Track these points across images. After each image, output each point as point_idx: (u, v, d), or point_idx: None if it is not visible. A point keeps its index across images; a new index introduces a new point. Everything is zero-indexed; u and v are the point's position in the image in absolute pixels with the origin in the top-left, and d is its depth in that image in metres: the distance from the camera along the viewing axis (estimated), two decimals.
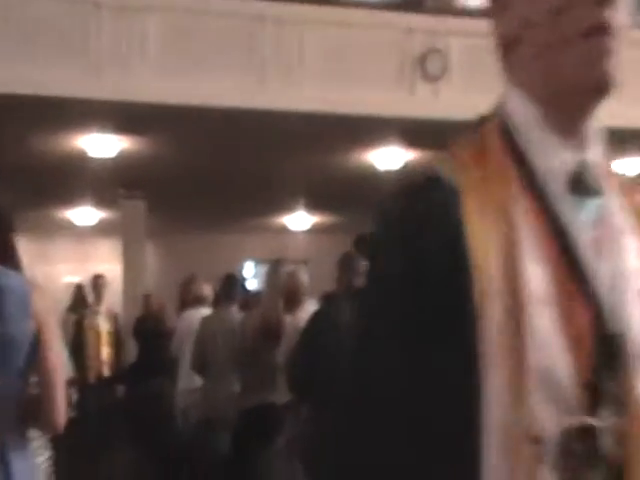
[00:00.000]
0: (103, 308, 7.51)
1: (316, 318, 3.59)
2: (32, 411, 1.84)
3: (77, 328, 7.25)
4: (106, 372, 7.27)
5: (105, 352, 7.27)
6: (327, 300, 3.71)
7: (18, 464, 1.78)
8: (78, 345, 6.95)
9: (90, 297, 8.42)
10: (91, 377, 7.08)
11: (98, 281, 7.57)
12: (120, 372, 7.35)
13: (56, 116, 6.84)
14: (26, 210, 10.15)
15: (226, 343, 5.14)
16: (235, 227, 12.64)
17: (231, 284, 5.65)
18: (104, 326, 7.34)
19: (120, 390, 7.55)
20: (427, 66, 7.18)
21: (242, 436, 4.56)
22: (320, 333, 3.48)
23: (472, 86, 7.16)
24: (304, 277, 4.40)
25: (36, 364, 1.83)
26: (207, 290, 6.41)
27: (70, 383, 3.80)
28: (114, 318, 7.66)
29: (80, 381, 5.91)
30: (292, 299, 4.28)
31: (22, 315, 1.86)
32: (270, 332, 4.38)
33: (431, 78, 7.19)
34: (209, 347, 5.31)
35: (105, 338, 7.30)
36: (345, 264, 3.62)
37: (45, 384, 1.76)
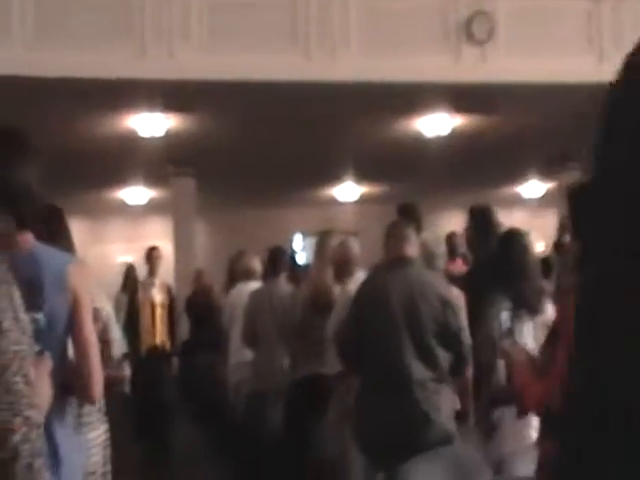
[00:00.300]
0: (157, 281, 7.25)
1: (364, 288, 3.57)
2: (71, 383, 1.89)
3: (131, 301, 7.10)
4: (160, 346, 7.07)
5: (159, 325, 7.03)
6: (375, 270, 3.70)
7: (62, 436, 1.82)
8: (132, 318, 6.86)
9: (144, 271, 8.57)
10: (145, 351, 6.90)
11: (152, 253, 7.31)
12: (174, 347, 7.22)
13: (105, 98, 6.93)
14: (79, 192, 10.36)
15: (275, 316, 5.17)
16: (284, 201, 12.68)
17: (278, 257, 5.66)
18: (158, 298, 7.10)
19: (174, 364, 7.50)
20: (473, 29, 7.05)
21: (294, 408, 4.60)
22: (368, 303, 3.47)
23: (519, 49, 7.03)
24: (355, 247, 4.35)
25: (72, 337, 1.86)
26: (256, 264, 6.44)
27: (123, 358, 3.89)
28: (168, 290, 7.45)
29: (134, 355, 5.89)
30: (343, 270, 4.25)
31: (59, 289, 1.90)
32: (320, 303, 4.39)
33: (477, 41, 7.06)
34: (259, 321, 5.35)
35: (159, 311, 7.06)
36: (392, 232, 3.60)
37: (79, 357, 1.80)
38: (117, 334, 3.21)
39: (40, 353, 1.46)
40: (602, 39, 7.28)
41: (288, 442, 4.64)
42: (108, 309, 3.16)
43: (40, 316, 1.46)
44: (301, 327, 4.57)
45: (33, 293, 1.78)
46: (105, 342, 3.03)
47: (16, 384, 1.00)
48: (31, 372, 1.05)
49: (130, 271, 9.38)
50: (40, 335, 1.46)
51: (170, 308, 7.13)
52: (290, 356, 4.83)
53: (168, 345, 7.04)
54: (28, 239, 1.96)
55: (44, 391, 1.45)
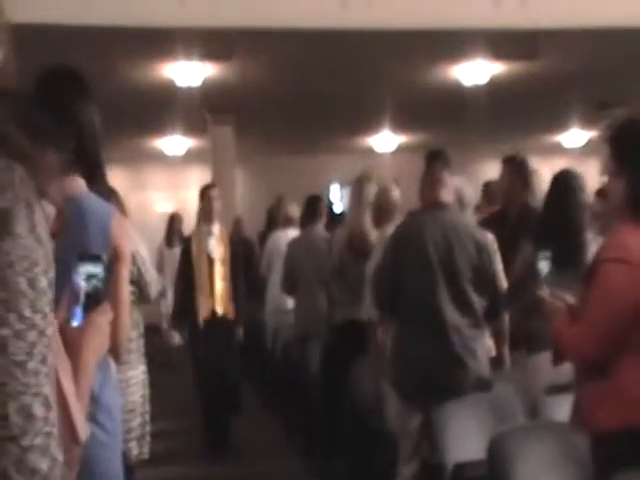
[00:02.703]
0: (217, 229, 5.55)
1: (399, 234, 3.56)
2: None
3: (182, 256, 5.64)
4: (222, 313, 5.46)
5: (220, 286, 5.47)
6: (410, 215, 3.71)
7: (97, 377, 1.81)
8: (183, 278, 5.51)
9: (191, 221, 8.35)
10: (202, 321, 5.42)
11: (209, 193, 5.58)
12: (239, 315, 5.59)
13: (143, 46, 6.96)
14: (118, 140, 10.47)
15: (314, 263, 5.24)
16: (322, 149, 12.66)
17: (316, 205, 5.69)
18: (217, 251, 5.51)
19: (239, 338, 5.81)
20: None
21: (332, 352, 4.67)
22: (403, 249, 3.48)
23: None
24: (395, 192, 4.32)
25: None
26: (294, 211, 6.47)
27: (160, 296, 3.87)
28: (231, 240, 5.75)
29: (189, 326, 5.46)
30: (383, 214, 4.24)
31: (102, 240, 1.88)
32: (357, 248, 4.41)
33: None
34: (298, 269, 5.43)
35: (220, 268, 5.48)
36: (427, 178, 3.59)
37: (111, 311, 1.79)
38: (152, 275, 3.25)
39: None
40: None
41: (326, 386, 4.73)
42: (142, 252, 3.21)
43: (99, 269, 1.46)
44: (339, 272, 4.61)
45: (81, 245, 1.79)
46: (140, 285, 3.09)
47: (17, 284, 0.98)
48: (42, 282, 1.03)
49: (175, 221, 9.29)
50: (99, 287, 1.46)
51: (233, 264, 5.54)
52: (328, 301, 4.89)
53: (232, 312, 5.48)
54: (80, 184, 1.95)
55: (104, 341, 1.46)
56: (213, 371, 5.46)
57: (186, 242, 5.72)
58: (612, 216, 2.31)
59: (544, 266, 2.40)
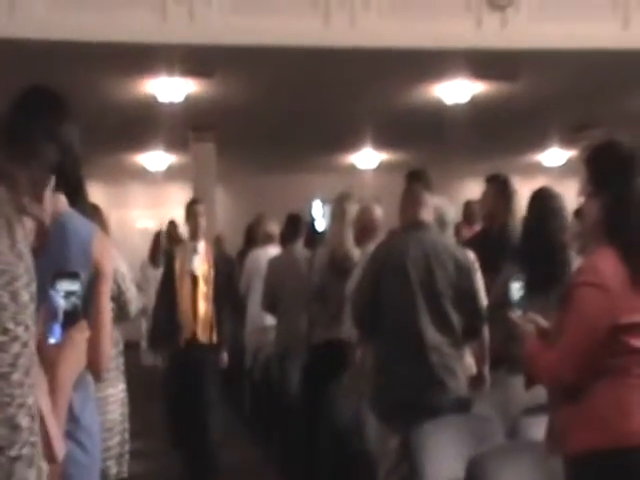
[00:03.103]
0: (202, 246, 5.25)
1: (379, 253, 3.57)
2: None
3: (165, 274, 5.29)
4: (203, 335, 5.07)
5: (203, 306, 5.09)
6: (390, 235, 3.71)
7: (79, 397, 1.81)
8: (165, 297, 5.17)
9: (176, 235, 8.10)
10: (183, 342, 5.06)
11: (195, 208, 5.32)
12: (222, 338, 5.20)
13: (125, 62, 6.95)
14: (99, 156, 10.42)
15: (294, 281, 5.22)
16: (303, 167, 12.68)
17: (296, 223, 5.70)
18: (202, 269, 5.17)
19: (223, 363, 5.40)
20: None
21: (311, 372, 4.65)
22: (383, 268, 3.47)
23: (541, 14, 6.94)
24: (377, 211, 4.34)
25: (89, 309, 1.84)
26: (274, 229, 6.47)
27: (141, 314, 3.85)
28: (215, 258, 5.34)
29: (169, 348, 5.13)
30: (365, 233, 4.25)
31: (83, 257, 1.87)
32: (338, 267, 4.41)
33: (499, 6, 6.98)
34: (278, 287, 5.41)
35: (203, 287, 5.12)
36: (408, 197, 3.60)
37: (91, 329, 1.70)
38: (132, 293, 3.23)
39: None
40: (628, 5, 7.17)
41: (304, 406, 4.71)
42: (123, 269, 3.18)
43: (77, 287, 1.44)
44: (320, 291, 4.59)
45: (61, 262, 1.77)
46: (120, 302, 3.07)
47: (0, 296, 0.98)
48: (24, 295, 1.04)
49: (160, 238, 9.18)
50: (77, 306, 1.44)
51: (217, 283, 5.19)
52: (309, 320, 4.86)
53: (214, 335, 5.09)
54: (61, 201, 1.93)
55: (81, 358, 1.44)
56: (190, 400, 5.01)
57: (169, 259, 5.39)
58: (588, 237, 2.32)
59: (517, 289, 2.39)
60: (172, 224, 9.00)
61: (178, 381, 5.12)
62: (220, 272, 5.27)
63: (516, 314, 2.36)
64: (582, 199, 2.27)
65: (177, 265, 5.20)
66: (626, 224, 2.15)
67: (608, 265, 2.13)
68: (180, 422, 5.20)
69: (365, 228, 4.27)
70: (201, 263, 5.21)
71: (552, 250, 3.46)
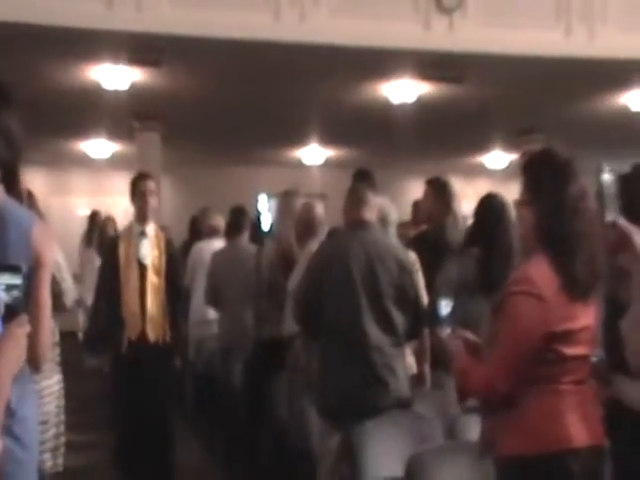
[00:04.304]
0: (151, 229, 4.53)
1: (321, 252, 3.59)
2: None
3: (106, 262, 4.57)
4: (154, 335, 4.40)
5: (152, 300, 4.40)
6: (333, 234, 3.72)
7: (16, 390, 1.76)
8: (105, 287, 4.48)
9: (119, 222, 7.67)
10: (128, 343, 4.37)
11: (143, 184, 4.57)
12: (177, 340, 4.59)
13: (69, 47, 6.80)
14: (41, 142, 10.19)
15: (239, 276, 5.20)
16: (250, 160, 12.62)
17: (240, 216, 5.67)
18: (151, 257, 4.45)
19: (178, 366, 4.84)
20: None
21: (255, 368, 4.64)
22: (326, 267, 3.48)
23: (487, 19, 7.06)
24: (318, 209, 4.36)
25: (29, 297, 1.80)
26: (219, 221, 6.43)
27: (76, 305, 3.67)
28: (167, 244, 4.59)
29: (112, 350, 4.41)
30: (306, 231, 4.27)
31: (23, 247, 1.84)
32: (286, 263, 4.40)
33: (446, 10, 7.07)
34: (222, 280, 5.38)
35: (153, 279, 4.40)
36: (351, 197, 3.63)
37: (31, 319, 1.66)
38: (68, 284, 3.18)
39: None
40: (570, 13, 7.34)
41: (247, 402, 4.69)
42: (58, 259, 3.12)
43: (18, 280, 1.41)
44: (268, 287, 4.58)
45: (1, 253, 1.73)
46: (55, 292, 3.01)
47: None
48: None
49: (96, 218, 8.76)
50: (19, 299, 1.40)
51: (170, 273, 4.48)
52: (255, 316, 4.83)
53: (166, 335, 4.42)
54: None
55: (21, 353, 1.41)
56: (138, 410, 4.35)
57: (111, 244, 4.58)
58: (524, 245, 2.34)
59: (445, 306, 2.40)
60: (97, 213, 8.43)
61: (126, 393, 4.39)
62: (173, 260, 4.58)
63: (445, 331, 2.37)
64: (520, 206, 2.30)
65: (121, 252, 4.41)
66: (558, 232, 2.16)
67: (541, 273, 2.15)
68: (132, 441, 4.47)
69: (306, 226, 4.28)
70: (150, 249, 4.44)
71: (502, 254, 3.52)
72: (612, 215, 2.18)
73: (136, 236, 4.46)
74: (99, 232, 8.04)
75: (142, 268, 4.41)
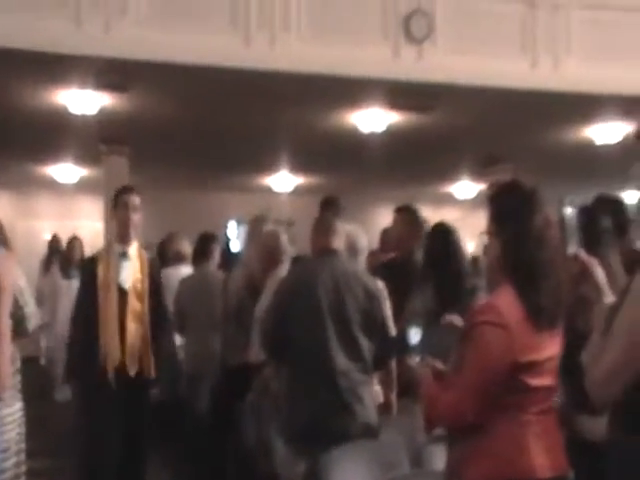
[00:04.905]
0: (134, 249, 4.18)
1: (288, 280, 3.61)
2: None
3: (86, 284, 4.12)
4: (136, 368, 4.06)
5: (134, 331, 4.02)
6: (300, 262, 3.73)
7: None
8: (80, 315, 4.12)
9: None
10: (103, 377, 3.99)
11: (126, 199, 4.20)
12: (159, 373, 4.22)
13: (36, 70, 6.75)
14: (8, 165, 10.08)
15: (206, 302, 5.16)
16: (218, 186, 12.60)
17: (208, 243, 5.66)
18: (132, 280, 4.09)
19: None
20: (412, 27, 7.13)
21: (223, 393, 4.60)
22: (293, 295, 3.48)
23: (455, 49, 7.15)
24: (283, 237, 4.37)
25: None
26: (186, 248, 6.38)
27: (39, 330, 3.56)
28: (152, 268, 4.26)
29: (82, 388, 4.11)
30: (271, 258, 4.28)
31: None
32: (254, 290, 4.39)
33: (415, 40, 7.15)
34: (189, 307, 5.33)
35: (135, 305, 4.03)
36: (319, 225, 3.64)
37: None
38: (31, 308, 3.10)
39: None
40: (536, 45, 7.46)
41: (213, 428, 4.64)
42: (21, 283, 3.07)
43: None
44: (235, 313, 4.55)
45: None
46: (17, 317, 2.95)
47: None
48: None
49: (55, 243, 8.44)
50: None
51: (154, 298, 4.14)
52: (223, 343, 4.80)
53: (149, 368, 4.06)
54: None
55: None
56: (111, 451, 3.99)
57: (89, 266, 4.12)
58: (490, 275, 2.36)
59: (414, 334, 2.41)
60: (76, 240, 8.14)
61: (96, 431, 4.00)
62: (157, 284, 4.18)
63: (414, 360, 2.38)
64: (485, 237, 2.32)
65: (99, 274, 4.00)
66: (524, 262, 2.18)
67: (507, 303, 2.17)
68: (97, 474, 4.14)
69: (271, 253, 4.29)
70: (132, 273, 4.05)
71: (457, 281, 3.56)
72: (573, 247, 2.20)
73: (116, 257, 4.06)
74: (64, 254, 7.96)
75: (122, 293, 4.03)
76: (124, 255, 4.09)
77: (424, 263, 3.83)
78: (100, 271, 4.02)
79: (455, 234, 3.74)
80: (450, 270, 3.61)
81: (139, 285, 4.05)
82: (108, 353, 3.95)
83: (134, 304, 4.01)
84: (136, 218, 4.11)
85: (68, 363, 4.36)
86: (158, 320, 4.10)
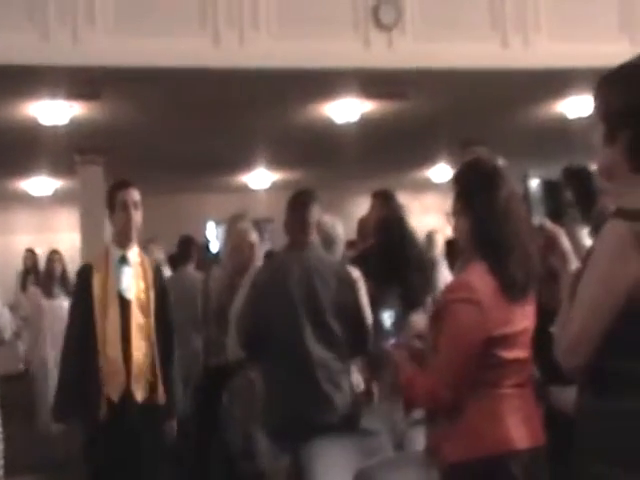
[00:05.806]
0: (134, 254, 3.60)
1: (261, 275, 3.59)
2: None
3: (80, 296, 3.50)
4: (140, 391, 3.41)
5: (139, 348, 3.41)
6: (273, 256, 3.72)
7: None
8: (82, 330, 3.41)
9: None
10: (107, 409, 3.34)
11: (123, 197, 3.58)
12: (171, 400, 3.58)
13: (5, 83, 6.66)
14: None
15: (186, 304, 5.15)
16: (197, 188, 12.54)
17: (186, 245, 5.67)
18: (137, 289, 3.50)
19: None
20: (380, 15, 7.12)
21: (205, 393, 4.61)
22: (266, 289, 3.47)
23: (425, 35, 7.14)
24: (253, 235, 4.38)
25: None
26: (159, 254, 6.36)
27: (15, 338, 3.48)
28: (156, 275, 3.62)
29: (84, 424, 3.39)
30: (242, 257, 4.28)
31: None
32: (234, 288, 4.38)
33: (385, 27, 7.14)
34: None
35: (139, 319, 3.44)
36: (291, 217, 3.61)
37: None
38: (6, 318, 3.06)
39: None
40: (505, 26, 7.47)
41: (196, 427, 4.64)
42: None
43: None
44: (215, 313, 4.55)
45: None
46: None
47: None
48: None
49: (31, 258, 8.12)
50: None
51: (160, 310, 3.55)
52: (205, 343, 4.81)
53: (159, 394, 3.44)
54: None
55: None
56: None
57: (83, 275, 3.50)
58: (462, 253, 2.37)
59: (387, 318, 2.42)
60: (55, 254, 7.72)
61: (103, 459, 3.38)
62: (164, 294, 3.59)
63: (389, 342, 2.37)
64: (453, 217, 2.32)
65: (96, 285, 3.39)
66: (492, 238, 2.20)
67: (479, 278, 2.18)
68: None
69: (242, 252, 4.29)
70: (135, 280, 3.44)
71: (420, 267, 3.58)
72: (538, 219, 2.20)
73: (115, 263, 3.44)
74: (45, 270, 7.79)
75: (124, 305, 3.40)
76: (124, 261, 3.48)
77: (381, 265, 3.80)
78: (96, 281, 3.41)
79: (398, 223, 3.72)
80: (408, 261, 3.58)
81: (143, 295, 3.45)
82: (110, 377, 3.33)
83: (138, 317, 3.41)
84: (137, 216, 3.51)
85: (58, 392, 3.53)
86: (166, 337, 3.51)
